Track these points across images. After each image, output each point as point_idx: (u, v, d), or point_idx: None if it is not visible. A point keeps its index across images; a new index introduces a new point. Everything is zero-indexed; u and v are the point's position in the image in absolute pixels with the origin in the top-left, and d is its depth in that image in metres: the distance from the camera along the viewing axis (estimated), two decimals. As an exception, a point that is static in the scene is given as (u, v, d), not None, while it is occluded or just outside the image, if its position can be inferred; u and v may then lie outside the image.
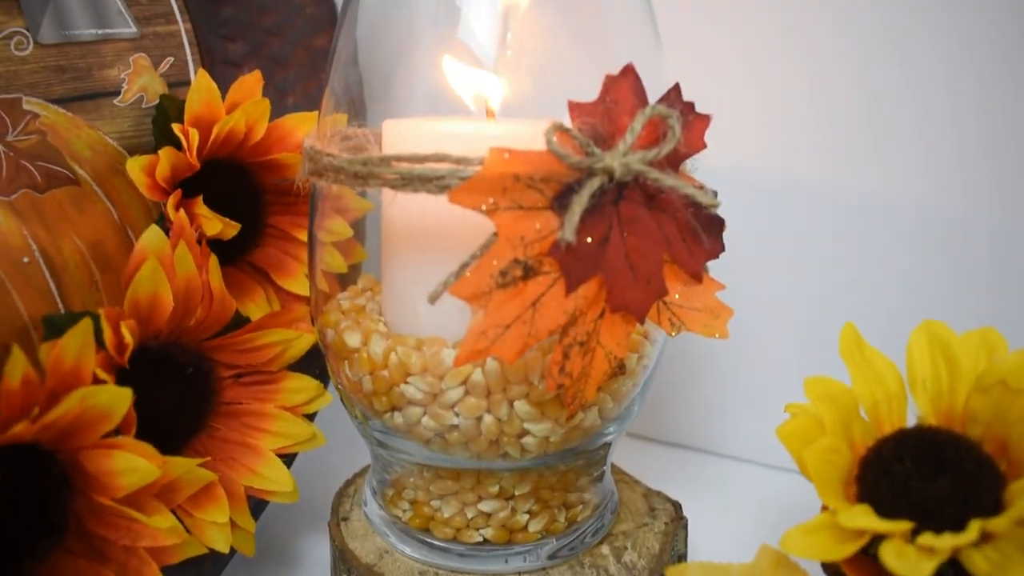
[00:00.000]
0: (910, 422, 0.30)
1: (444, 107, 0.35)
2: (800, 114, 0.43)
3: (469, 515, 0.33)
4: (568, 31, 0.36)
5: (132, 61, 0.38)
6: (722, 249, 0.31)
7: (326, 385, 0.38)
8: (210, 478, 0.33)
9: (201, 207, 0.36)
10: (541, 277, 0.28)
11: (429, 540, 0.34)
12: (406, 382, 0.31)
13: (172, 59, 0.40)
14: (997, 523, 0.26)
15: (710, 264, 0.32)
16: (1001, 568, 0.25)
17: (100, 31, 0.37)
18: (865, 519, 0.26)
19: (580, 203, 0.27)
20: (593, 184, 0.28)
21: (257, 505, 0.37)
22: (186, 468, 0.32)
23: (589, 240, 0.28)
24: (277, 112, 0.42)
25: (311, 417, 0.38)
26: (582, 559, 0.34)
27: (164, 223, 0.36)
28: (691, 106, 0.31)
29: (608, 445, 0.34)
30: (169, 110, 0.37)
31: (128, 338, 0.31)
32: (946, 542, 0.25)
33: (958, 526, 0.26)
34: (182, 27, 0.40)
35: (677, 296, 0.30)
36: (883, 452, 0.29)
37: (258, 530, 0.36)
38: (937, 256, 0.42)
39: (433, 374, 0.30)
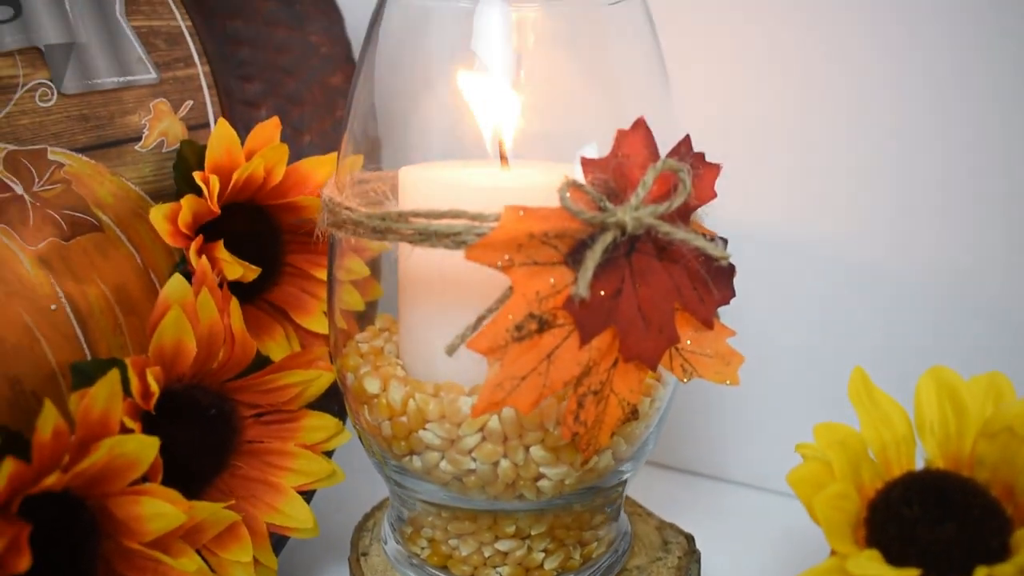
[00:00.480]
0: (919, 465, 0.31)
1: (458, 149, 0.36)
2: (816, 161, 0.44)
3: (486, 554, 0.34)
4: (578, 69, 0.37)
5: (153, 107, 0.39)
6: (732, 295, 0.32)
7: (344, 421, 0.39)
8: (233, 518, 0.34)
9: (222, 251, 0.36)
10: (556, 330, 0.29)
11: (448, 578, 0.35)
12: (424, 428, 0.32)
13: (191, 102, 0.40)
14: (1003, 570, 0.26)
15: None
16: (1007, 617, 0.25)
17: (121, 79, 0.38)
18: (873, 567, 0.27)
19: (593, 258, 0.28)
20: (606, 239, 0.28)
21: (279, 540, 0.38)
22: (211, 511, 0.33)
23: (602, 293, 0.29)
24: (294, 150, 0.43)
25: (330, 453, 0.38)
26: (597, 595, 0.34)
27: (185, 266, 0.37)
28: (701, 157, 0.32)
29: (623, 483, 0.35)
30: (189, 156, 0.38)
31: (154, 386, 0.32)
32: (953, 590, 0.26)
33: (965, 572, 0.27)
34: (200, 70, 0.41)
35: (689, 342, 0.31)
36: (891, 496, 0.30)
37: (280, 564, 0.37)
38: (948, 296, 0.42)
39: (451, 421, 0.31)
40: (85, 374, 0.33)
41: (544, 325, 0.28)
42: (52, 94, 0.36)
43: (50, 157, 0.35)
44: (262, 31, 0.43)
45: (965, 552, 0.27)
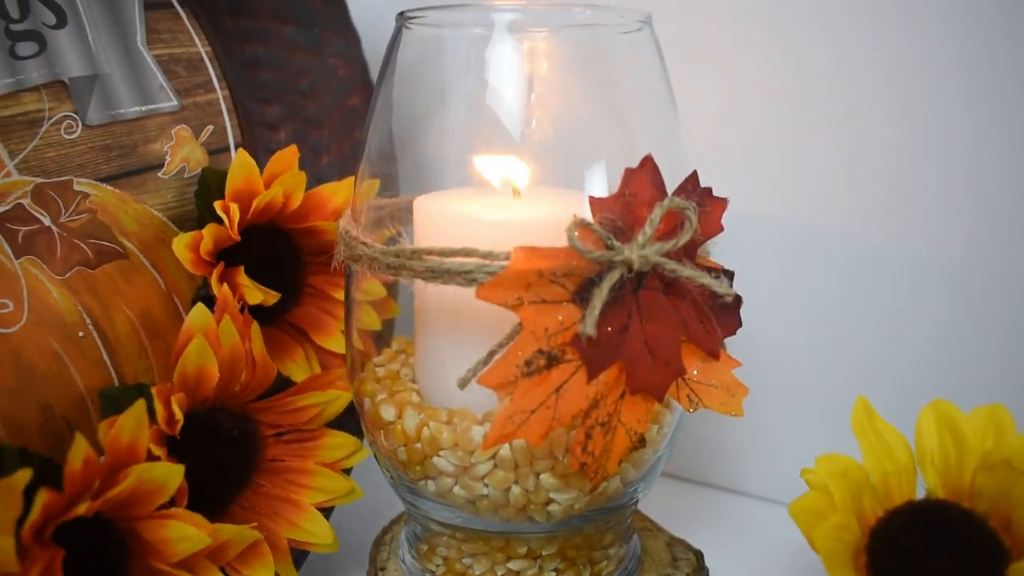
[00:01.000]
0: (920, 493, 0.32)
1: (473, 172, 0.37)
2: (830, 163, 0.44)
3: (499, 573, 0.35)
4: (588, 94, 0.38)
5: (174, 133, 0.40)
6: (739, 326, 0.33)
7: (363, 439, 0.40)
8: (256, 537, 0.35)
9: (242, 277, 0.38)
10: (564, 365, 0.29)
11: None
12: (438, 455, 0.33)
13: (212, 127, 0.41)
14: (999, 602, 0.27)
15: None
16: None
17: (144, 107, 0.39)
18: (871, 598, 0.28)
19: (600, 297, 0.29)
20: (613, 277, 0.29)
21: (299, 555, 0.39)
22: (234, 533, 0.34)
23: (609, 330, 0.29)
24: (313, 172, 0.44)
25: (348, 470, 0.40)
26: (607, 612, 0.36)
27: (207, 290, 0.38)
28: (708, 191, 0.32)
29: (634, 504, 0.36)
30: (211, 183, 0.39)
31: (178, 414, 0.33)
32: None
33: (962, 603, 0.28)
34: (220, 95, 0.42)
35: (695, 372, 0.32)
36: (891, 525, 0.30)
37: (301, 577, 0.39)
38: (969, 311, 0.43)
39: (463, 449, 0.32)
40: (113, 400, 0.35)
41: (553, 360, 0.29)
42: (77, 126, 0.37)
43: (76, 188, 0.36)
44: (281, 55, 0.43)
45: (962, 584, 0.28)
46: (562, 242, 0.30)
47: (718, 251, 0.35)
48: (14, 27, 0.35)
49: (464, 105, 0.37)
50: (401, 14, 0.34)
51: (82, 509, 0.30)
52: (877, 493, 0.31)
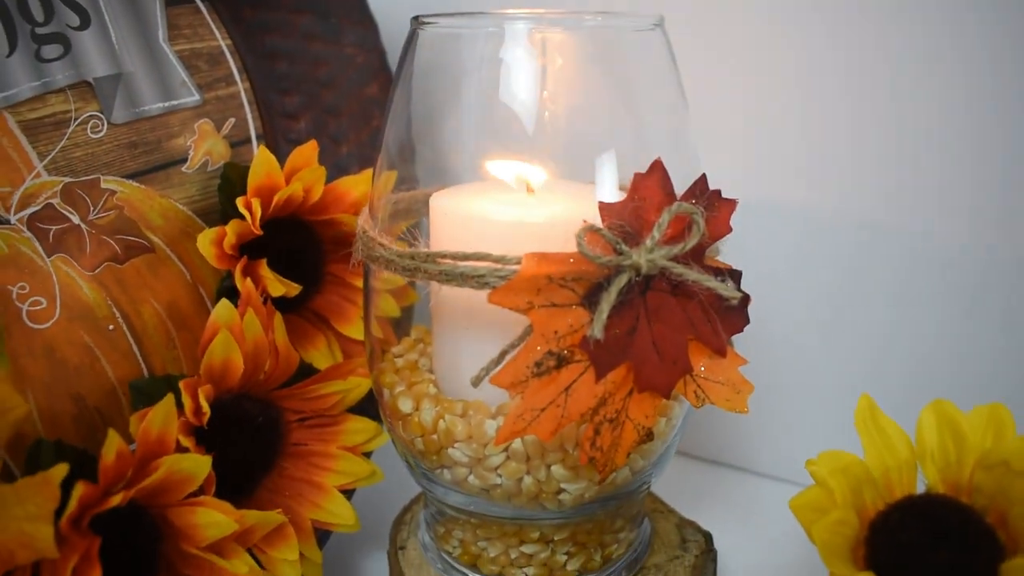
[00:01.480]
0: (920, 488, 0.33)
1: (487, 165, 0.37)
2: (842, 148, 0.44)
3: (512, 555, 0.36)
4: (601, 88, 0.38)
5: (197, 127, 0.41)
6: (746, 323, 0.34)
7: (382, 423, 0.42)
8: (281, 520, 0.37)
9: (265, 270, 0.39)
10: (573, 365, 0.30)
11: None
12: (453, 447, 0.34)
13: (233, 120, 0.42)
14: (991, 597, 0.28)
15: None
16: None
17: (167, 103, 0.40)
18: (866, 592, 0.29)
19: (608, 301, 0.30)
20: (620, 281, 0.30)
21: (323, 535, 0.41)
22: (260, 518, 0.36)
23: (617, 331, 0.30)
24: (332, 160, 0.45)
25: (369, 453, 0.41)
26: (617, 593, 0.37)
27: (231, 281, 0.39)
28: (717, 193, 0.33)
29: (644, 489, 0.37)
30: (233, 177, 0.40)
31: (205, 406, 0.35)
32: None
33: (956, 597, 0.29)
34: (241, 87, 0.43)
35: (703, 368, 0.33)
36: (891, 518, 0.31)
37: (323, 556, 0.40)
38: (981, 304, 0.43)
39: (477, 441, 0.33)
40: (142, 392, 0.36)
41: (562, 361, 0.30)
42: (103, 125, 0.38)
43: (103, 186, 0.38)
44: (299, 45, 0.44)
45: (957, 578, 0.29)
46: (573, 244, 0.30)
47: (730, 241, 0.35)
48: (39, 30, 0.36)
49: (478, 100, 0.37)
50: (416, 18, 0.35)
51: (116, 500, 0.32)
52: (878, 487, 0.32)
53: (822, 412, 0.48)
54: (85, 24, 0.38)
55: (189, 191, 0.40)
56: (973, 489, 0.31)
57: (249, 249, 0.39)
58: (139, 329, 0.38)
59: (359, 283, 0.43)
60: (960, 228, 0.43)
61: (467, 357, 0.35)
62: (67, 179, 0.37)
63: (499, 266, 0.31)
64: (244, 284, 0.37)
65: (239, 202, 0.38)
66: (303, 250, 0.42)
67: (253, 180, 0.38)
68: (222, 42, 0.42)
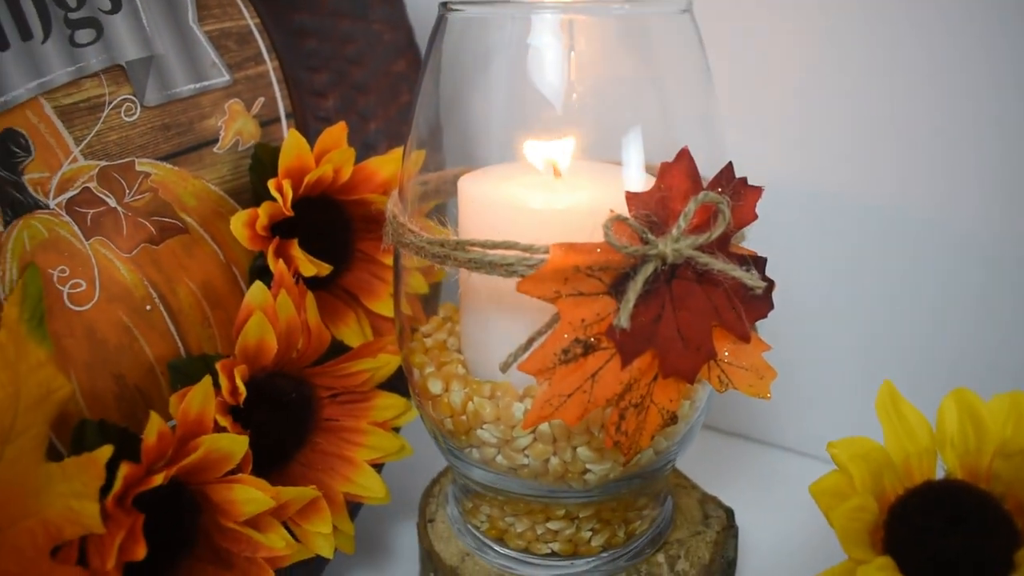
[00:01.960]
0: (940, 474, 0.33)
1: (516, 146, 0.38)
2: (872, 133, 0.44)
3: (538, 531, 0.37)
4: (629, 69, 0.38)
5: (227, 108, 0.41)
6: (770, 308, 0.34)
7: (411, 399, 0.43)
8: (314, 495, 0.38)
9: (297, 250, 0.39)
10: (599, 352, 0.31)
11: (504, 550, 0.38)
12: (482, 428, 0.35)
13: (263, 99, 0.43)
14: (1006, 583, 0.29)
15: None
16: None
17: (198, 84, 0.40)
18: (880, 574, 0.30)
19: (635, 290, 0.30)
20: (647, 270, 0.31)
21: (354, 507, 0.42)
22: (295, 494, 0.37)
23: (643, 319, 0.31)
24: (360, 137, 0.45)
25: (398, 429, 0.42)
26: (639, 567, 0.38)
27: (263, 260, 0.40)
28: (743, 181, 0.33)
29: (669, 467, 0.38)
30: (264, 158, 0.40)
31: (241, 387, 0.36)
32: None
33: (973, 581, 0.30)
34: (270, 66, 0.43)
35: (727, 354, 0.33)
36: (909, 504, 0.32)
37: (355, 528, 0.42)
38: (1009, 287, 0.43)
39: (505, 423, 0.34)
40: (180, 372, 0.37)
41: (588, 349, 0.31)
42: (136, 108, 0.38)
43: (137, 168, 0.38)
44: (327, 22, 0.44)
45: (972, 563, 0.30)
46: (599, 230, 0.31)
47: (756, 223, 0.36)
48: (72, 15, 0.37)
49: (507, 82, 0.37)
50: (444, 3, 0.35)
51: (158, 480, 0.33)
52: (898, 472, 0.33)
53: (845, 387, 0.49)
54: (116, 8, 0.38)
55: (221, 171, 0.41)
56: (992, 476, 0.32)
57: (280, 229, 0.40)
58: (175, 308, 0.39)
59: (388, 261, 0.44)
60: (983, 211, 0.42)
61: (495, 339, 0.35)
62: (103, 163, 0.37)
63: (527, 255, 0.31)
64: (277, 265, 0.38)
65: (270, 184, 0.38)
66: (333, 228, 0.43)
67: (284, 162, 0.39)
68: (250, 21, 0.43)
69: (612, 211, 0.31)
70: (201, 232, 0.40)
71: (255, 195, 0.41)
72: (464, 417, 0.35)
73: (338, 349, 0.41)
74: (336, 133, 0.40)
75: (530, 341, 0.32)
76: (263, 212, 0.38)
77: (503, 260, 0.32)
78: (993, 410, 0.32)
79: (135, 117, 0.38)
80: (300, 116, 0.44)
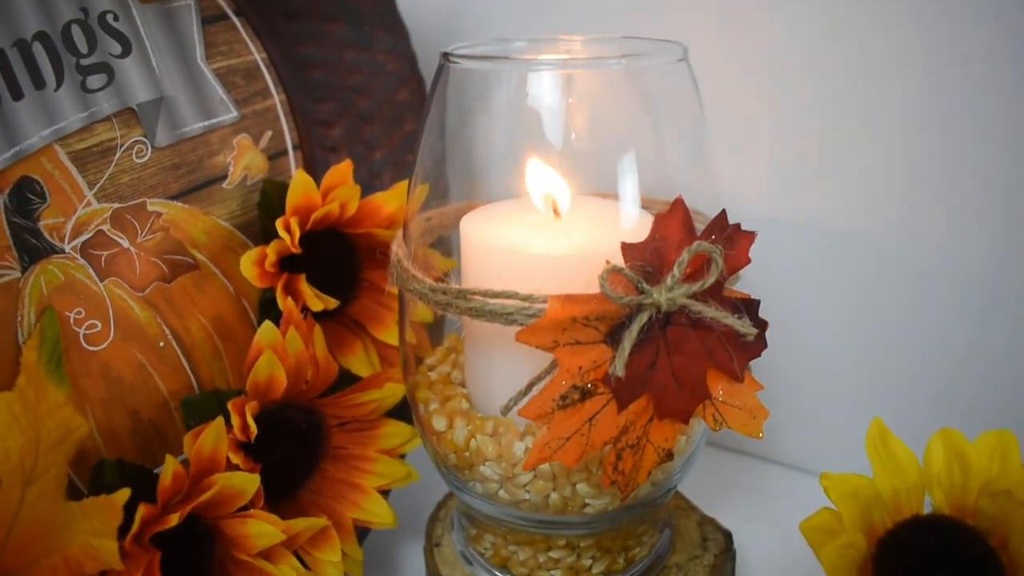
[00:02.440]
0: (928, 507, 0.34)
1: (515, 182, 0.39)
2: (867, 160, 0.45)
3: (540, 559, 0.39)
4: (626, 116, 0.39)
5: (236, 143, 0.42)
6: (763, 348, 0.35)
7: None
8: (324, 524, 0.40)
9: (304, 285, 0.41)
10: (596, 398, 0.32)
11: None
12: (484, 464, 0.36)
13: (270, 132, 0.44)
14: (989, 620, 0.30)
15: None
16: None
17: (207, 123, 0.41)
18: (870, 613, 0.31)
19: (630, 339, 0.31)
20: (642, 319, 0.32)
21: (362, 532, 0.43)
22: (305, 526, 0.38)
23: (638, 366, 0.32)
24: (366, 166, 0.46)
25: (404, 455, 0.43)
26: (639, 592, 0.39)
27: (272, 293, 0.41)
28: (737, 227, 0.34)
29: (667, 497, 0.39)
30: (271, 194, 0.41)
31: (252, 425, 0.37)
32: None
33: (957, 617, 0.31)
34: (277, 99, 0.44)
35: (721, 392, 0.34)
36: (897, 538, 0.33)
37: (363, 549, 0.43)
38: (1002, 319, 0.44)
39: (507, 461, 0.36)
40: (193, 408, 0.39)
41: (586, 394, 0.32)
42: (147, 149, 0.39)
43: (149, 208, 0.39)
44: (332, 54, 0.45)
45: (958, 600, 0.31)
46: (596, 274, 0.32)
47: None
48: (83, 61, 0.38)
49: (507, 124, 0.38)
50: (445, 54, 0.36)
51: (174, 520, 0.34)
52: (887, 507, 0.34)
53: (843, 405, 0.50)
54: (127, 51, 0.39)
55: (230, 207, 0.42)
56: (977, 512, 0.33)
57: (288, 261, 0.41)
58: (187, 343, 0.40)
59: (394, 289, 0.45)
60: (988, 245, 0.43)
61: (498, 375, 0.37)
62: (116, 205, 0.38)
63: (526, 304, 0.32)
64: (286, 303, 0.39)
65: (278, 224, 0.39)
66: (339, 259, 0.44)
67: (291, 201, 0.40)
68: (257, 56, 0.44)
69: (608, 262, 0.32)
70: (212, 267, 0.41)
71: (263, 231, 0.42)
72: (467, 454, 0.37)
73: (346, 377, 0.42)
74: (342, 170, 0.41)
75: (530, 386, 0.34)
76: (271, 251, 0.39)
77: (503, 309, 0.33)
78: (979, 449, 0.33)
79: (146, 158, 0.39)
80: (307, 147, 0.45)
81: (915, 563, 0.33)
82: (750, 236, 0.34)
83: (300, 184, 0.40)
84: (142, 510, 0.34)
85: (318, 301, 0.41)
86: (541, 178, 0.37)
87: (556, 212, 0.37)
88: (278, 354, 0.38)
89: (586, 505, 0.36)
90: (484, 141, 0.39)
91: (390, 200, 0.42)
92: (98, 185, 0.38)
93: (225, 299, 0.42)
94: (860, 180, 0.45)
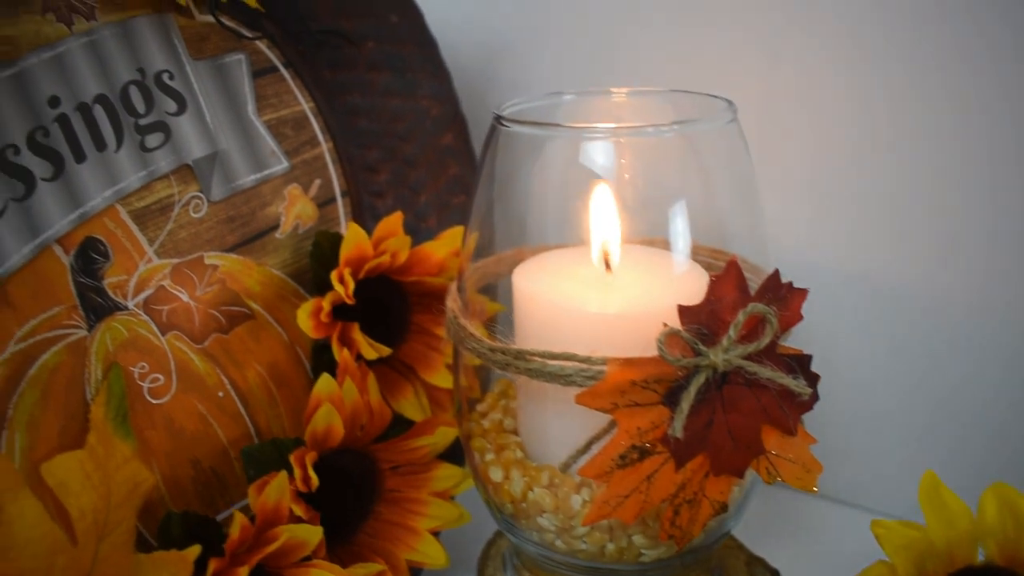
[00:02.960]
0: (981, 556, 0.35)
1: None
2: (912, 207, 0.45)
3: (595, 601, 0.40)
4: (675, 172, 0.39)
5: (287, 193, 0.43)
6: (816, 401, 0.36)
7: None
8: (381, 569, 0.40)
9: (358, 334, 0.41)
10: (655, 456, 0.33)
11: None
12: (541, 516, 0.37)
13: (319, 180, 0.45)
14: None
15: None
16: None
17: (259, 175, 0.42)
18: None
19: (688, 400, 0.32)
20: (699, 380, 0.32)
21: (414, 571, 0.44)
22: (363, 572, 0.39)
23: (696, 426, 0.33)
24: (412, 210, 0.47)
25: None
26: (689, 633, 0.40)
27: (326, 340, 0.42)
28: (789, 285, 0.34)
29: (721, 539, 0.40)
30: (324, 246, 0.42)
31: (313, 477, 0.38)
32: None
33: (1011, 669, 0.31)
34: (324, 148, 0.45)
35: (775, 446, 0.35)
36: (952, 589, 0.34)
37: (417, 587, 0.44)
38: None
39: (564, 513, 0.36)
40: (253, 458, 0.40)
41: (644, 454, 0.33)
42: (203, 204, 0.40)
43: (206, 262, 0.40)
44: (378, 102, 0.46)
45: (1012, 653, 0.32)
46: (650, 330, 0.33)
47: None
48: (141, 121, 0.38)
49: (559, 184, 0.39)
50: (498, 118, 0.36)
51: (243, 573, 0.35)
52: (940, 557, 0.34)
53: (885, 440, 0.50)
54: (182, 109, 0.40)
55: (283, 256, 0.43)
56: (1030, 565, 0.33)
57: (341, 309, 0.42)
58: (245, 392, 0.41)
59: (442, 332, 0.45)
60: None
61: (554, 429, 0.37)
62: (175, 260, 0.39)
63: (585, 367, 0.33)
64: (341, 354, 0.40)
65: (332, 276, 0.40)
66: (391, 304, 0.45)
67: (345, 252, 0.41)
68: (305, 106, 0.44)
69: (665, 324, 0.32)
70: (267, 316, 0.42)
71: (316, 280, 0.43)
72: (524, 504, 0.37)
73: (398, 420, 0.43)
74: (393, 222, 0.42)
75: (588, 444, 0.34)
76: (326, 303, 0.40)
77: (562, 371, 0.33)
78: (1032, 504, 0.33)
79: (202, 213, 0.40)
80: (355, 193, 0.46)
81: (969, 614, 0.33)
82: (802, 294, 0.35)
83: (353, 236, 0.41)
84: (213, 564, 0.34)
85: (372, 350, 0.41)
86: (595, 232, 0.38)
87: (608, 266, 0.38)
88: (335, 404, 0.39)
89: (641, 555, 0.37)
90: (535, 196, 0.39)
91: (439, 249, 0.43)
92: (158, 241, 0.39)
93: (280, 347, 0.43)
94: (906, 228, 0.46)
